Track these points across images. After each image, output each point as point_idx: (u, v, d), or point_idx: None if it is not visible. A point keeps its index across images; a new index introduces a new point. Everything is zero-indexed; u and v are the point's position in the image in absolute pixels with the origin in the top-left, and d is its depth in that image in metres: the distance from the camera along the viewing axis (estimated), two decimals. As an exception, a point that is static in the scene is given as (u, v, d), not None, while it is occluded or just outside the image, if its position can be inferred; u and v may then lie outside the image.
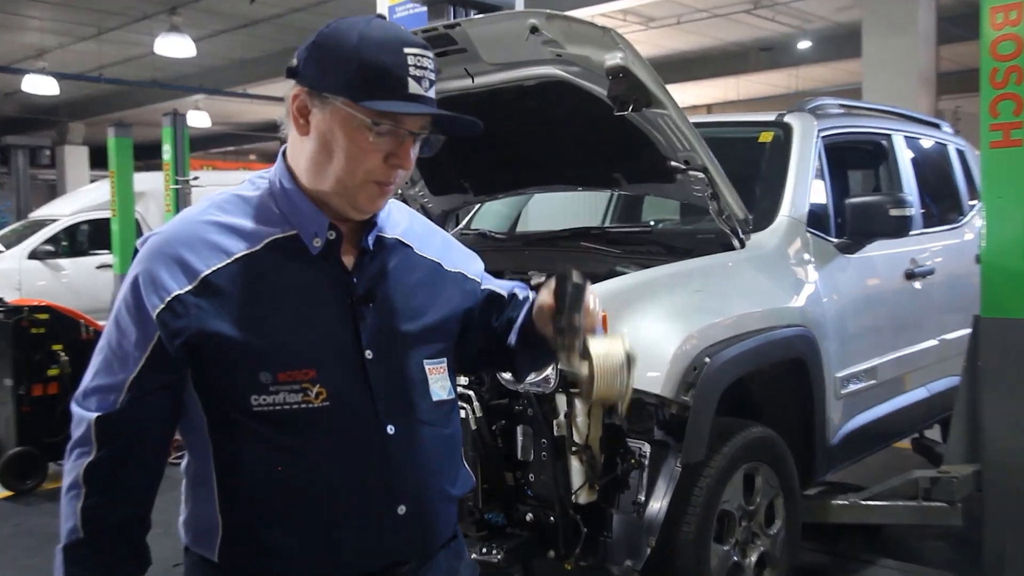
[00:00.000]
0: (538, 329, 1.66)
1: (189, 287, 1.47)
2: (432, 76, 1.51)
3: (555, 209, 5.33)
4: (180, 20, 14.06)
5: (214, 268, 1.49)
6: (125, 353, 1.52)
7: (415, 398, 1.60)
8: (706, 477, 3.12)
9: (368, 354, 1.54)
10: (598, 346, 1.59)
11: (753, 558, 3.39)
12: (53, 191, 22.32)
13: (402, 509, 1.56)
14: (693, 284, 3.35)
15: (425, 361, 1.63)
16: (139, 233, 11.52)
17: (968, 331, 3.88)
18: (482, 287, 1.78)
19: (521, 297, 1.82)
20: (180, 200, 9.86)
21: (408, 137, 1.51)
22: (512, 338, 1.76)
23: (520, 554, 3.00)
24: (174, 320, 1.46)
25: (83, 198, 12.71)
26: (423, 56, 1.50)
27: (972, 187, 5.37)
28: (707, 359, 3.05)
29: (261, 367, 1.48)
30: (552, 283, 1.61)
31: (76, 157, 24.36)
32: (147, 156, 17.22)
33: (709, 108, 22.61)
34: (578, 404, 2.90)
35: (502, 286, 1.83)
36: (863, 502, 3.98)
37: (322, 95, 1.49)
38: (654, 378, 2.97)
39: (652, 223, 4.96)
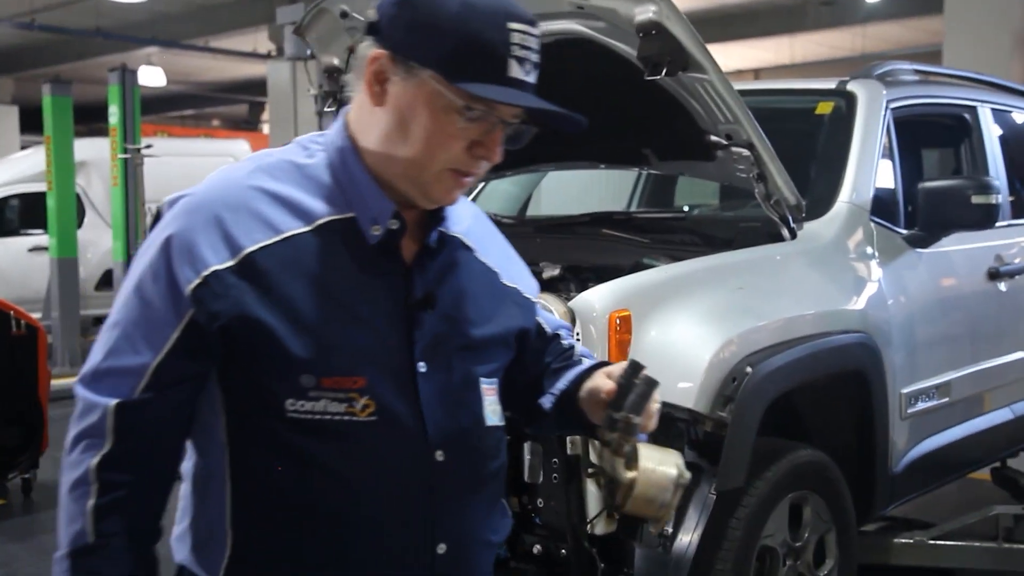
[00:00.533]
0: (580, 405, 1.69)
1: (230, 263, 1.46)
2: (535, 58, 1.51)
3: (573, 190, 5.36)
4: (131, -43, 14.10)
5: (260, 245, 1.48)
6: (149, 331, 1.49)
7: (468, 422, 1.61)
8: (745, 507, 3.14)
9: (421, 367, 1.55)
10: (649, 456, 1.62)
11: (800, 603, 3.43)
12: (-23, 159, 22.35)
13: (442, 548, 1.57)
14: (734, 281, 3.36)
15: (482, 380, 1.65)
16: (80, 210, 11.60)
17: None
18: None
19: (565, 344, 1.86)
20: (130, 172, 9.87)
21: (499, 126, 1.51)
22: (547, 401, 1.79)
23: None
24: (212, 300, 1.45)
25: (12, 168, 12.77)
26: (529, 34, 1.49)
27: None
28: (748, 369, 3.06)
29: (304, 368, 1.47)
30: (616, 369, 1.64)
31: (3, 119, 24.37)
32: (90, 119, 17.26)
33: (757, 73, 22.53)
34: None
35: (547, 320, 1.87)
36: (931, 542, 4.01)
37: (408, 64, 1.47)
38: (686, 390, 2.99)
39: (686, 208, 4.99)
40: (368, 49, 1.52)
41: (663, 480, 1.61)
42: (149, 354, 1.48)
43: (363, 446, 1.50)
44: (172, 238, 1.48)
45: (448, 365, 1.58)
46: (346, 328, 1.50)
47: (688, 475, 1.65)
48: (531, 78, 1.51)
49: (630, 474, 1.61)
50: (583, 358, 1.85)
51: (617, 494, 1.64)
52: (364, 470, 1.51)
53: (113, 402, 1.47)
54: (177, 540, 1.63)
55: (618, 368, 1.66)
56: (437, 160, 1.50)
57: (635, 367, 1.62)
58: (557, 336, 1.86)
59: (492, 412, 1.66)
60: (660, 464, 1.62)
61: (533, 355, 1.82)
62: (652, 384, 1.61)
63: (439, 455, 1.55)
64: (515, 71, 1.47)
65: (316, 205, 1.53)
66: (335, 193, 1.55)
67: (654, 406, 1.64)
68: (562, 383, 1.78)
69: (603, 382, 1.65)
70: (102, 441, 1.47)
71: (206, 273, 1.45)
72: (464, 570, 1.63)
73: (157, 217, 1.56)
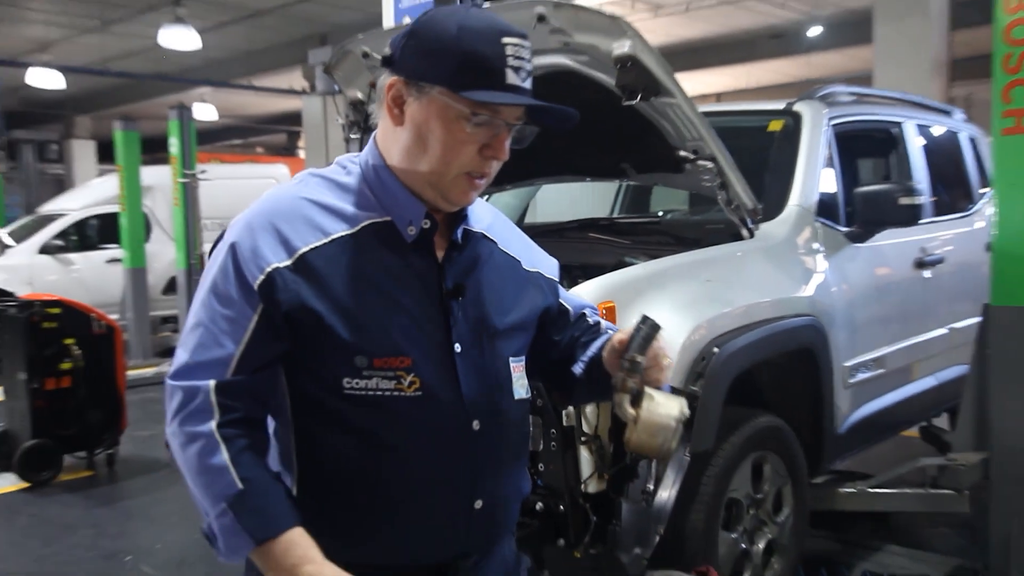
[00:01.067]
0: (605, 365, 1.67)
1: (288, 262, 1.46)
2: (529, 66, 1.51)
3: (563, 200, 5.35)
4: (184, 12, 14.03)
5: (312, 246, 1.48)
6: (229, 326, 1.47)
7: (500, 395, 1.60)
8: (714, 466, 3.14)
9: (457, 347, 1.54)
10: (653, 396, 1.59)
11: (761, 545, 3.42)
12: (61, 185, 22.36)
13: (479, 504, 1.57)
14: (702, 274, 3.36)
15: (510, 359, 1.64)
16: (147, 227, 11.60)
17: (978, 320, 3.86)
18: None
19: (591, 321, 1.84)
20: (188, 194, 9.87)
21: (504, 128, 1.51)
22: (578, 368, 1.78)
23: (531, 542, 3.01)
24: (275, 292, 1.45)
25: (91, 192, 12.75)
26: (521, 46, 1.49)
27: (983, 175, 5.36)
28: (716, 349, 3.07)
29: (358, 350, 1.47)
30: (632, 327, 1.63)
31: (83, 151, 24.38)
32: (154, 150, 17.23)
33: (718, 97, 22.49)
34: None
35: (571, 302, 1.85)
36: (871, 490, 4.00)
37: (419, 85, 1.48)
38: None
39: (661, 213, 4.96)
40: (386, 79, 1.53)
41: (664, 418, 1.57)
42: (232, 345, 1.47)
43: (411, 418, 1.50)
44: (237, 245, 1.48)
45: (480, 345, 1.58)
46: (391, 315, 1.50)
47: (687, 412, 1.61)
48: (527, 84, 1.50)
49: (634, 411, 1.58)
50: (608, 330, 1.83)
51: (624, 431, 1.61)
52: (412, 439, 1.51)
53: (212, 382, 1.45)
54: None
55: (630, 327, 1.64)
56: (453, 165, 1.50)
57: (644, 319, 1.60)
58: (583, 315, 1.84)
59: (520, 386, 1.65)
60: (662, 405, 1.59)
61: (560, 332, 1.80)
62: (655, 327, 1.59)
63: (476, 424, 1.55)
64: (512, 78, 1.47)
65: (358, 212, 1.53)
66: (372, 201, 1.55)
67: (666, 361, 1.63)
68: (591, 351, 1.77)
69: (618, 336, 1.64)
70: (210, 414, 1.44)
71: (269, 269, 1.45)
72: (494, 522, 1.64)
73: (221, 235, 1.55)
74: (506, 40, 1.47)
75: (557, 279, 1.81)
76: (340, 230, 1.51)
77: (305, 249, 1.48)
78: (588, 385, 1.78)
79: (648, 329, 1.58)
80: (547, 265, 1.80)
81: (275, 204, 1.53)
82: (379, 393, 1.48)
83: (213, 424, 1.44)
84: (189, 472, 1.46)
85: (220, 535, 1.44)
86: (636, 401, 1.59)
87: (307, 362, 1.50)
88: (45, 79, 16.74)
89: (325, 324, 1.46)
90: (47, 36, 16.58)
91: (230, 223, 1.55)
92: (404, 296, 1.52)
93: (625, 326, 1.65)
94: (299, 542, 1.43)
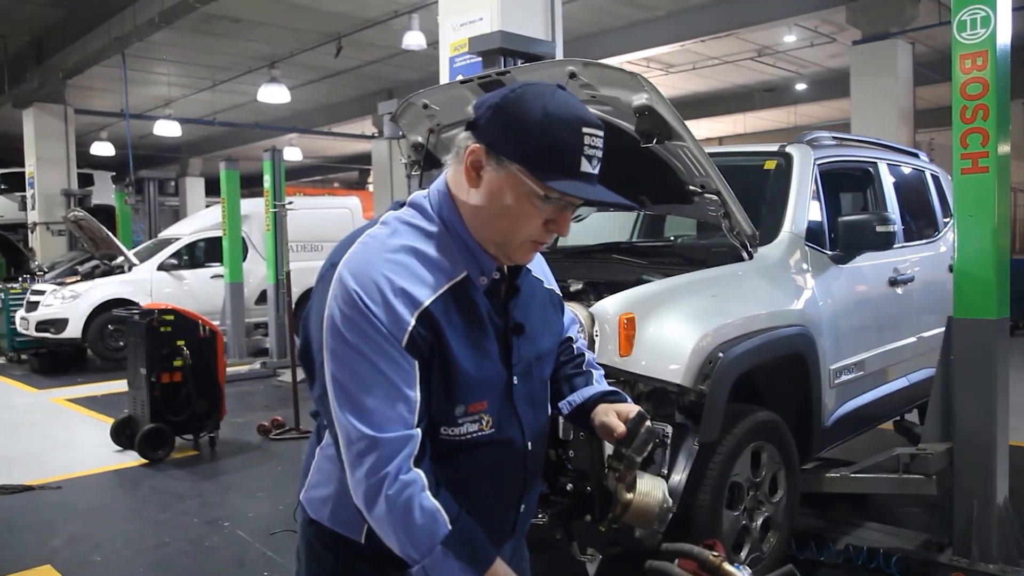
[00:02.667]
0: (595, 429, 1.60)
1: (415, 317, 1.32)
2: (600, 154, 1.37)
3: (590, 227, 5.30)
4: (278, 72, 14.30)
5: (431, 300, 1.34)
6: (402, 377, 1.32)
7: (541, 415, 1.55)
8: (719, 454, 3.08)
9: (515, 380, 1.46)
10: (644, 484, 1.57)
11: (759, 522, 3.34)
12: (176, 215, 22.70)
13: (522, 507, 1.54)
14: (709, 290, 3.30)
15: (547, 380, 1.58)
16: (244, 248, 11.68)
17: (942, 329, 3.79)
18: None
19: (576, 348, 1.72)
20: (278, 221, 9.92)
21: (569, 207, 1.40)
22: (564, 407, 1.67)
23: (562, 518, 2.98)
24: (414, 349, 1.32)
25: (200, 220, 12.86)
26: (597, 136, 1.35)
27: (945, 207, 5.25)
28: (721, 354, 3.01)
29: (460, 400, 1.37)
30: (624, 409, 1.57)
31: (194, 187, 24.82)
32: (251, 185, 17.45)
33: (720, 140, 22.45)
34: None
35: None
36: (852, 475, 3.91)
37: (499, 158, 1.35)
38: (676, 370, 2.93)
39: (673, 238, 4.91)
40: (467, 141, 1.38)
41: (653, 503, 1.57)
42: (414, 393, 1.33)
43: (486, 450, 1.44)
44: (369, 300, 1.31)
45: (530, 374, 1.50)
46: (481, 362, 1.40)
47: (671, 502, 1.61)
48: (596, 170, 1.37)
49: (628, 495, 1.56)
50: (591, 370, 1.72)
51: (616, 508, 1.58)
52: (483, 463, 1.44)
53: (417, 431, 1.32)
54: (319, 501, 1.50)
55: (625, 409, 1.58)
56: (520, 234, 1.39)
57: (641, 417, 1.54)
58: (569, 339, 1.73)
59: (549, 404, 1.60)
60: (652, 491, 1.57)
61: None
62: (653, 433, 1.54)
63: (530, 445, 1.50)
64: (585, 167, 1.34)
65: (450, 263, 1.39)
66: (457, 256, 1.40)
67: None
68: (577, 397, 1.66)
69: (615, 423, 1.56)
70: (413, 460, 1.32)
71: (409, 328, 1.31)
72: (528, 517, 1.60)
73: (325, 275, 1.38)
74: (586, 131, 1.34)
75: (560, 294, 1.70)
76: (443, 284, 1.37)
77: (427, 303, 1.33)
78: (572, 422, 1.70)
79: (647, 435, 1.53)
80: (551, 278, 1.67)
81: (383, 255, 1.35)
82: (466, 437, 1.40)
83: (417, 470, 1.32)
84: (395, 519, 1.31)
85: (443, 573, 1.33)
86: (630, 488, 1.56)
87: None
88: (167, 128, 17.10)
89: (443, 377, 1.35)
90: (170, 94, 16.94)
91: (342, 272, 1.34)
92: (485, 341, 1.41)
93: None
94: (500, 561, 1.38)
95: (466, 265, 1.41)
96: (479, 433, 1.41)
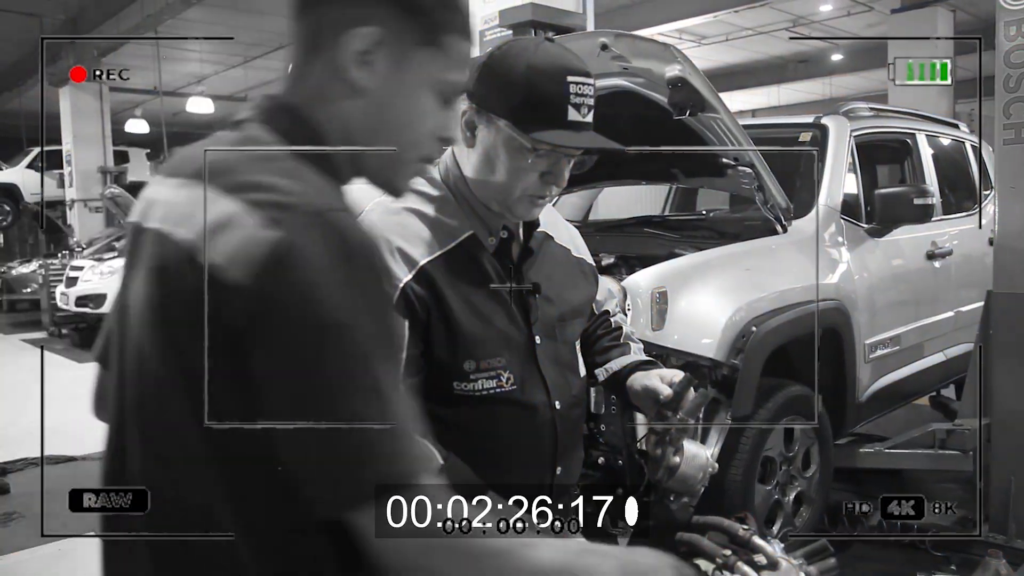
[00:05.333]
0: (629, 389, 1.59)
1: (411, 276, 1.36)
2: (591, 101, 1.38)
3: (623, 200, 5.29)
4: (310, 48, 14.26)
5: (429, 259, 1.38)
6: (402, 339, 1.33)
7: (571, 377, 1.54)
8: (752, 428, 3.06)
9: (537, 339, 1.47)
10: (691, 447, 1.54)
11: (791, 497, 3.33)
12: (209, 191, 22.96)
13: (559, 470, 1.53)
14: (742, 264, 3.27)
15: (575, 343, 1.57)
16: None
17: (981, 304, 3.76)
18: None
19: (614, 322, 1.72)
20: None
21: (564, 158, 1.40)
22: (601, 374, 1.67)
23: (593, 491, 2.99)
24: (408, 306, 1.34)
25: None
26: (584, 84, 1.36)
27: (985, 179, 5.16)
28: (754, 328, 2.98)
29: (468, 356, 1.39)
30: (668, 374, 1.56)
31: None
32: (283, 161, 17.56)
33: (754, 113, 22.15)
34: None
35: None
36: (887, 450, 3.89)
37: (488, 115, 1.38)
38: (709, 344, 2.91)
39: (705, 212, 4.88)
40: (462, 103, 1.41)
41: (701, 466, 1.55)
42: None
43: (510, 407, 1.43)
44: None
45: (553, 335, 1.50)
46: (490, 320, 1.41)
47: (716, 466, 1.57)
48: (588, 118, 1.38)
49: (676, 459, 1.54)
50: (629, 342, 1.72)
51: (660, 471, 1.55)
52: (512, 423, 1.44)
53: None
54: None
55: (669, 374, 1.57)
56: (517, 188, 1.40)
57: (689, 380, 1.53)
58: (606, 312, 1.73)
59: (581, 366, 1.59)
60: (699, 452, 1.55)
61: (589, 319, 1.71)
62: (706, 396, 1.53)
63: (557, 404, 1.49)
64: (573, 115, 1.35)
65: (453, 225, 1.43)
66: (461, 215, 1.45)
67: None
68: (615, 364, 1.67)
69: (660, 386, 1.55)
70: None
71: (401, 286, 1.35)
72: (569, 481, 1.58)
73: None
74: (571, 79, 1.35)
75: (593, 264, 1.70)
76: (445, 243, 1.40)
77: (424, 262, 1.37)
78: (608, 389, 1.68)
79: (700, 398, 1.52)
80: (587, 254, 1.68)
81: (384, 217, 1.40)
82: (484, 393, 1.41)
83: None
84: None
85: None
86: (677, 451, 1.53)
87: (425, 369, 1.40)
88: (200, 106, 17.15)
89: (444, 334, 1.37)
90: (202, 71, 17.00)
91: None
92: (495, 300, 1.43)
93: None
94: None
95: (472, 225, 1.44)
96: (499, 390, 1.41)
